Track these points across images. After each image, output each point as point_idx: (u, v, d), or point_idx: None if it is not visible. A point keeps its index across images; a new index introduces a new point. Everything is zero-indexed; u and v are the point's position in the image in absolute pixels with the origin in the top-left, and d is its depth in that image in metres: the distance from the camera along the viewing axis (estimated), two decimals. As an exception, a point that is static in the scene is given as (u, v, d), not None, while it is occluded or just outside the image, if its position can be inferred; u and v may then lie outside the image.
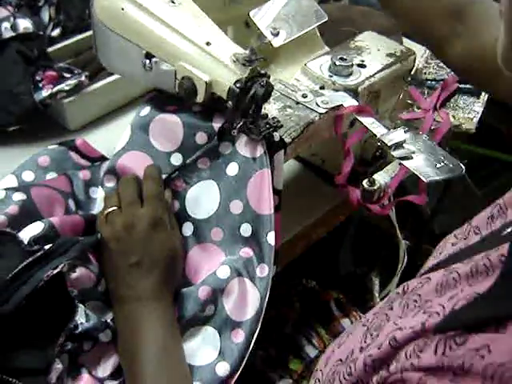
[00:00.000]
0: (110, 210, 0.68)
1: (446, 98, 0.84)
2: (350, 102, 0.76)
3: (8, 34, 0.92)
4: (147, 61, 0.70)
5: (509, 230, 0.49)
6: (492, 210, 0.55)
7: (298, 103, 0.75)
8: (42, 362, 0.58)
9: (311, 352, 1.07)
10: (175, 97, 0.71)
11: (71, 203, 0.73)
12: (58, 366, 0.58)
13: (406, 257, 0.87)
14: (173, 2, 0.70)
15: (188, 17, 0.70)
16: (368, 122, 0.74)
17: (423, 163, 0.68)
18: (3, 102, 0.90)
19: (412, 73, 0.87)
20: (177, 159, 0.72)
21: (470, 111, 0.85)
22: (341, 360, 0.52)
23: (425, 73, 0.89)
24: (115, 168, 0.73)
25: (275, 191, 0.69)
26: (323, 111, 0.74)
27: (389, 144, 0.69)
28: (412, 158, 0.69)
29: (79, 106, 0.95)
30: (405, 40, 1.13)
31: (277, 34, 0.74)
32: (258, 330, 0.65)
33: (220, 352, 0.64)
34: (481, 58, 0.72)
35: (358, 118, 0.75)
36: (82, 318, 0.59)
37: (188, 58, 0.67)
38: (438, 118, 0.81)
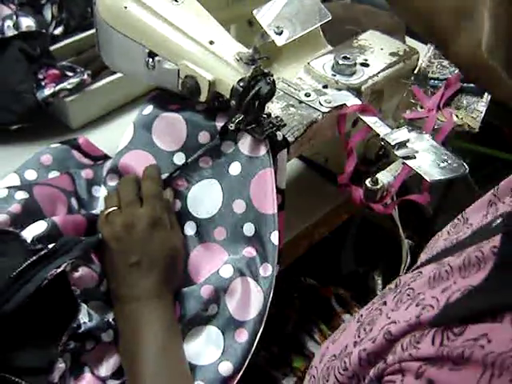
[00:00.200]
0: (110, 210, 0.68)
1: (450, 98, 0.84)
2: (353, 101, 0.76)
3: (10, 32, 0.92)
4: (150, 59, 0.70)
5: (498, 221, 0.49)
6: (483, 204, 0.56)
7: (301, 102, 0.75)
8: (45, 361, 0.58)
9: (314, 348, 1.07)
10: (178, 95, 0.71)
11: (74, 202, 0.73)
12: (61, 365, 0.58)
13: (408, 256, 0.86)
14: (176, 1, 0.70)
15: (191, 15, 0.70)
16: (371, 121, 0.74)
17: (427, 163, 0.68)
18: (5, 101, 0.90)
19: (415, 72, 0.87)
20: (180, 158, 0.72)
21: (473, 110, 0.85)
22: (335, 356, 0.52)
23: (428, 72, 0.89)
24: (118, 167, 0.73)
25: (278, 190, 0.69)
26: (326, 110, 0.74)
27: (392, 143, 0.69)
28: (415, 157, 0.68)
29: (81, 105, 0.95)
30: (408, 39, 1.13)
31: (280, 33, 0.74)
32: (261, 330, 0.65)
33: (223, 352, 0.64)
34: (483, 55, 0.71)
35: (362, 117, 0.75)
36: (85, 318, 0.59)
37: (191, 57, 0.67)
38: (441, 117, 0.81)
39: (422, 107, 0.83)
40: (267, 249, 0.67)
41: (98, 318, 0.61)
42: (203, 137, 0.71)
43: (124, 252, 0.65)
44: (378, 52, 0.84)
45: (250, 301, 0.66)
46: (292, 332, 1.09)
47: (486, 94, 0.90)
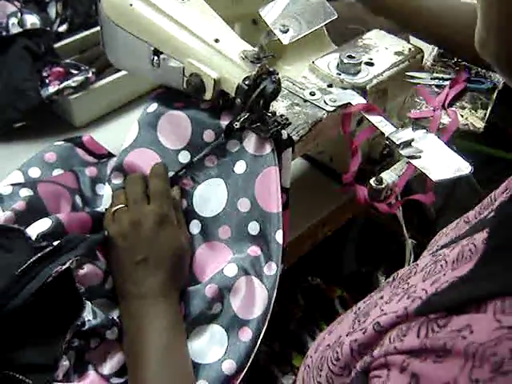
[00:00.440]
0: (117, 207, 0.68)
1: (454, 97, 0.84)
2: (358, 100, 0.76)
3: (15, 29, 0.92)
4: (155, 57, 0.70)
5: (491, 214, 0.50)
6: (483, 202, 0.57)
7: (305, 101, 0.75)
8: (49, 358, 0.58)
9: (314, 348, 1.07)
10: (182, 93, 0.71)
11: (78, 199, 0.73)
12: (65, 362, 0.58)
13: (412, 255, 0.86)
14: (181, -1, 0.70)
15: (197, 13, 0.70)
16: (376, 120, 0.74)
17: (432, 162, 0.68)
18: (10, 98, 0.90)
19: (420, 71, 0.87)
20: (185, 157, 0.72)
21: (477, 110, 0.85)
22: (329, 345, 0.52)
23: (433, 71, 0.89)
24: (123, 165, 0.73)
25: (283, 189, 0.68)
26: (331, 109, 0.74)
27: (397, 142, 0.69)
28: (420, 156, 0.68)
29: (85, 103, 0.95)
30: (412, 39, 1.12)
31: (286, 32, 0.74)
32: (264, 329, 0.65)
33: (226, 350, 0.64)
34: None
35: (366, 116, 0.75)
36: (90, 315, 0.59)
37: (196, 55, 0.67)
38: (446, 116, 0.80)
39: (426, 106, 0.83)
40: (272, 247, 0.67)
41: (103, 316, 0.61)
42: (208, 135, 0.70)
43: (130, 249, 0.65)
44: (382, 51, 0.84)
45: (255, 300, 0.66)
46: (295, 330, 1.09)
47: (490, 93, 0.90)
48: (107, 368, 0.63)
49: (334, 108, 0.74)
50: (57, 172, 0.77)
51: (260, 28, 0.85)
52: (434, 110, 0.80)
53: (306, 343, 1.09)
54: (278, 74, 0.65)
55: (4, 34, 0.93)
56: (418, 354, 0.39)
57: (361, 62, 0.79)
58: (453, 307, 0.39)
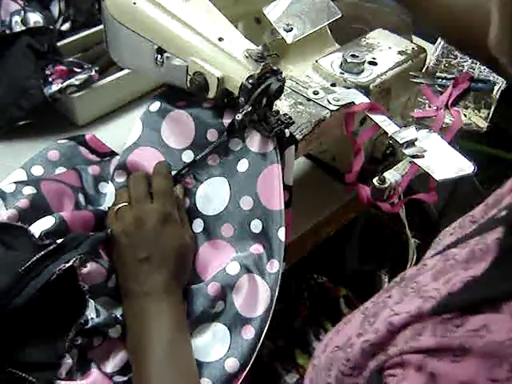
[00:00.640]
0: (120, 205, 0.68)
1: (458, 97, 0.84)
2: (361, 99, 0.76)
3: (18, 27, 0.92)
4: (159, 56, 0.70)
5: (503, 213, 0.49)
6: (488, 200, 0.56)
7: (309, 100, 0.75)
8: (52, 356, 0.58)
9: (318, 347, 1.07)
10: (185, 92, 0.71)
11: (81, 198, 0.73)
12: (68, 360, 0.58)
13: (415, 255, 0.86)
14: (185, -3, 0.70)
15: (200, 12, 0.70)
16: (379, 119, 0.74)
17: (435, 162, 0.68)
18: (13, 96, 0.90)
19: (423, 71, 0.87)
20: (188, 156, 0.72)
21: (481, 110, 0.85)
22: (338, 346, 0.52)
23: (436, 71, 0.89)
24: (126, 163, 0.73)
25: (285, 187, 0.68)
26: (334, 108, 0.74)
27: (400, 142, 0.69)
28: (424, 156, 0.68)
29: (88, 101, 0.95)
30: (415, 38, 1.13)
31: (290, 30, 0.74)
32: (267, 327, 0.65)
33: (229, 348, 0.64)
34: None
35: (370, 115, 0.74)
36: (93, 314, 0.59)
37: (200, 54, 0.67)
38: (449, 116, 0.80)
39: (430, 106, 0.83)
40: (274, 245, 0.67)
41: (106, 314, 0.61)
42: (211, 134, 0.70)
43: (134, 247, 0.65)
44: (386, 50, 0.84)
45: (257, 298, 0.66)
46: (299, 328, 1.09)
47: (494, 93, 0.89)
48: (110, 366, 0.63)
49: (337, 107, 0.74)
50: (60, 170, 0.77)
51: (263, 27, 0.85)
52: (437, 110, 0.80)
53: (310, 342, 1.09)
54: (282, 72, 0.65)
55: (7, 32, 0.94)
56: (435, 354, 0.39)
57: (364, 62, 0.79)
58: (468, 307, 0.39)
